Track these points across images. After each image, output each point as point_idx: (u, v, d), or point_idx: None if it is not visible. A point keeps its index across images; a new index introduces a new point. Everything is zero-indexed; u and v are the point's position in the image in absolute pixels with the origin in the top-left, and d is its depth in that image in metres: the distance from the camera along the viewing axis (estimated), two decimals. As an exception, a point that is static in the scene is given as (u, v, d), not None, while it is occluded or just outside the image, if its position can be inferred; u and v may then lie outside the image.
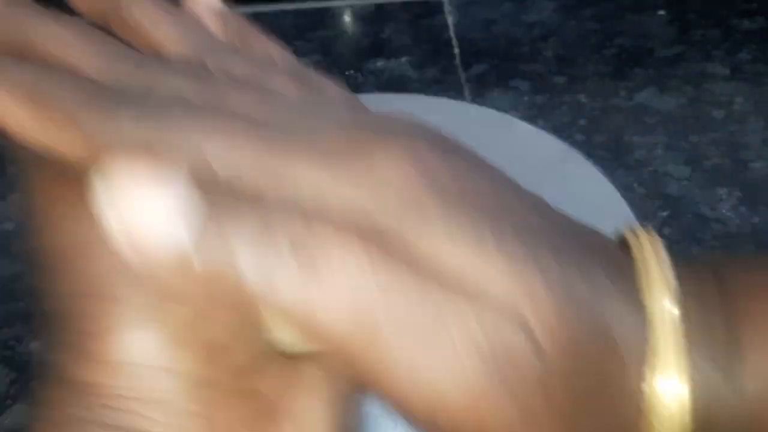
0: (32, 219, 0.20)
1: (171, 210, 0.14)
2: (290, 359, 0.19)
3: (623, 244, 0.19)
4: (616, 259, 0.18)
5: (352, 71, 0.80)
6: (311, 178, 0.16)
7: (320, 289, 0.15)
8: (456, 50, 0.83)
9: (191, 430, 0.18)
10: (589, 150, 0.70)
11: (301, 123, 0.17)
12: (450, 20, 0.87)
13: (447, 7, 0.89)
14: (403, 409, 0.16)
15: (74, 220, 0.19)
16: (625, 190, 0.52)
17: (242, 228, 0.15)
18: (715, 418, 0.17)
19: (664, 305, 0.17)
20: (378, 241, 0.16)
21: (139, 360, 0.18)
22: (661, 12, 0.87)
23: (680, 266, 0.18)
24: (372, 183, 0.16)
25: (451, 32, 0.86)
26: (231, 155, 0.16)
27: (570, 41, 0.84)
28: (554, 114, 0.75)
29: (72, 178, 0.18)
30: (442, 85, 0.78)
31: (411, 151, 0.17)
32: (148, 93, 0.17)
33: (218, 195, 0.15)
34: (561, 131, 0.72)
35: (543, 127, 0.59)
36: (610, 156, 0.71)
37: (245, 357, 0.18)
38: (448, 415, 0.16)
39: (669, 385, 0.17)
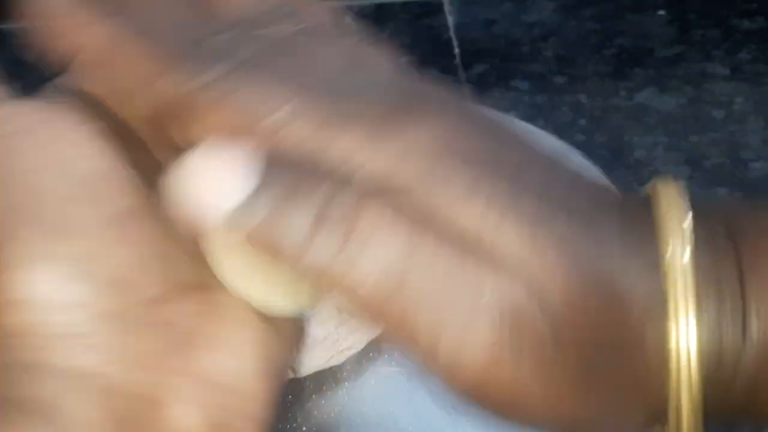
0: None
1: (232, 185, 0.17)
2: (208, 291, 0.20)
3: (646, 197, 0.20)
4: (631, 214, 0.19)
5: (352, 71, 0.80)
6: (352, 149, 0.18)
7: (348, 255, 0.17)
8: (456, 50, 0.83)
9: (100, 360, 0.18)
10: (589, 150, 0.70)
11: (344, 92, 0.19)
12: (450, 20, 0.87)
13: (447, 7, 0.89)
14: (429, 368, 0.18)
15: None
16: (625, 191, 0.52)
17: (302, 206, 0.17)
18: (723, 368, 0.18)
19: (677, 257, 0.18)
20: (402, 204, 0.18)
21: (41, 295, 0.18)
22: (661, 12, 0.87)
23: (695, 215, 0.19)
24: (401, 147, 0.18)
25: (451, 32, 0.86)
26: (296, 122, 0.18)
27: (570, 41, 0.84)
28: (554, 114, 0.75)
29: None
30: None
31: (438, 120, 0.19)
32: (230, 53, 0.18)
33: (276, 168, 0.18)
34: (561, 131, 0.72)
35: (543, 127, 0.59)
36: (610, 156, 0.71)
37: (155, 290, 0.19)
38: (467, 375, 0.17)
39: (680, 337, 0.18)
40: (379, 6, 0.89)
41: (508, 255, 0.17)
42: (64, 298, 0.18)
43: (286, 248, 0.17)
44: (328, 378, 0.39)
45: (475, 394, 0.18)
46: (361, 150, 0.18)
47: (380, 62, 0.21)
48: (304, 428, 0.38)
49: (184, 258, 0.20)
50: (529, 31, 0.86)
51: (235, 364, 0.20)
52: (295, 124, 0.18)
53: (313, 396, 0.39)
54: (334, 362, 0.40)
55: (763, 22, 0.85)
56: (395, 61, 0.20)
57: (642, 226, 0.19)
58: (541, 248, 0.17)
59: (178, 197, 0.17)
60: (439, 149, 0.18)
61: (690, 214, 0.19)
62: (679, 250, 0.18)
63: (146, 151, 0.21)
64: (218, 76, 0.18)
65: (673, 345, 0.18)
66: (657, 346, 0.18)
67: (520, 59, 0.82)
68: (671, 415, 0.18)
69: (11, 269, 0.18)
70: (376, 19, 0.87)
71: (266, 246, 0.17)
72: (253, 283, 0.20)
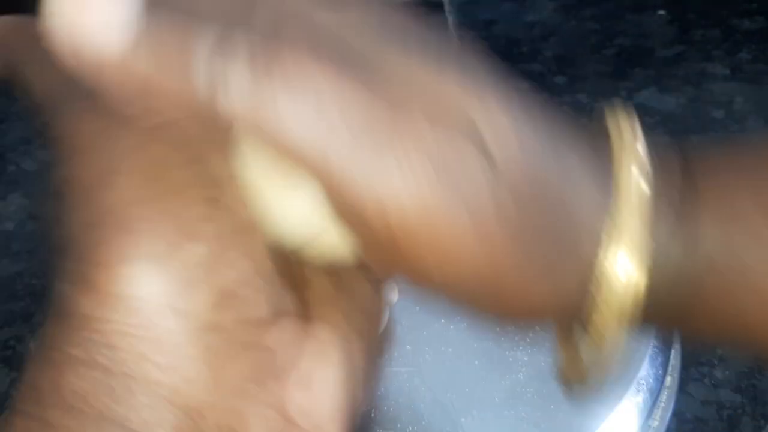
0: (58, 151, 0.19)
1: (116, 11, 0.15)
2: (306, 323, 0.19)
3: (602, 124, 0.20)
4: (590, 134, 0.20)
5: (352, 71, 0.80)
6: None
7: (273, 97, 0.16)
8: (456, 50, 0.83)
9: (191, 375, 0.17)
10: (589, 150, 0.70)
11: None
12: (450, 20, 0.87)
13: (447, 7, 0.89)
14: (359, 217, 0.17)
15: (99, 150, 0.18)
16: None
17: (201, 35, 0.16)
18: (664, 292, 0.19)
19: (633, 178, 0.18)
20: (341, 60, 0.16)
21: (145, 295, 0.17)
22: (661, 12, 0.87)
23: (650, 143, 0.19)
24: (357, 12, 0.17)
25: (452, 32, 0.86)
26: None
27: (570, 41, 0.84)
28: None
29: (101, 111, 0.18)
30: (442, 85, 0.78)
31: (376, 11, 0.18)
32: None
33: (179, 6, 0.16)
34: (561, 131, 0.72)
35: (543, 127, 0.59)
36: (610, 156, 0.71)
37: (257, 309, 0.18)
38: (401, 223, 0.17)
39: (626, 259, 0.18)
40: (379, 6, 0.89)
41: (450, 107, 0.17)
42: (173, 303, 0.17)
43: (193, 86, 0.16)
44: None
45: (402, 240, 0.17)
46: (303, 3, 0.17)
47: None
48: (304, 428, 0.38)
49: (290, 282, 0.19)
50: (529, 31, 0.86)
51: (319, 406, 0.19)
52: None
53: (313, 396, 0.39)
54: (334, 362, 0.40)
55: (763, 22, 0.85)
56: None
57: (598, 146, 0.19)
58: (487, 105, 0.17)
59: (62, 30, 0.15)
60: (392, 18, 0.17)
61: (645, 143, 0.19)
62: (634, 175, 0.18)
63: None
64: None
65: (617, 271, 0.18)
66: (600, 263, 0.18)
67: (520, 59, 0.82)
68: (596, 316, 0.19)
69: (125, 262, 0.17)
70: (376, 19, 0.87)
71: (167, 83, 0.16)
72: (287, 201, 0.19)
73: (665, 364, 0.41)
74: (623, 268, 0.18)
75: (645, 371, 0.40)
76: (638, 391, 0.39)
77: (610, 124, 0.20)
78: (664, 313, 0.19)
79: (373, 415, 0.38)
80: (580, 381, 0.20)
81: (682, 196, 0.19)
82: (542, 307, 0.19)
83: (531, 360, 0.40)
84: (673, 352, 0.42)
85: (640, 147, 0.19)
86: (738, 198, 0.19)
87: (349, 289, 0.20)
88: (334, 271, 0.20)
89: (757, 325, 0.19)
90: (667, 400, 0.41)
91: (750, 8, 0.87)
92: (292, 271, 0.20)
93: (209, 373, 0.17)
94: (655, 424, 0.40)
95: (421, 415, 0.38)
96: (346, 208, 0.17)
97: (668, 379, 0.41)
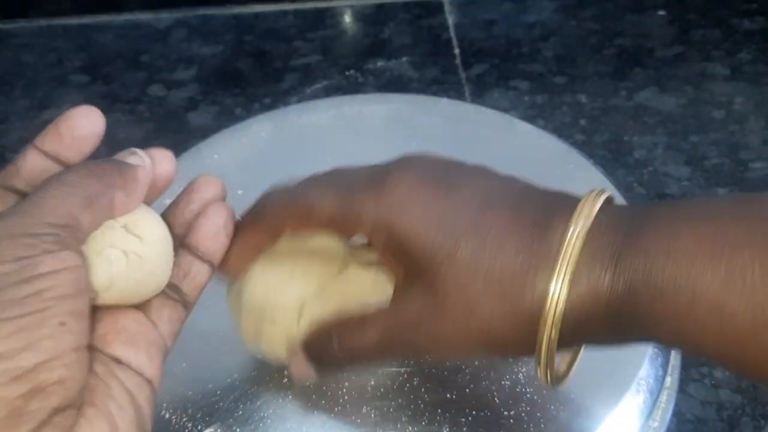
0: None
1: None
2: (81, 408, 0.24)
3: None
4: (558, 207, 0.29)
5: (352, 71, 0.80)
6: (361, 202, 0.31)
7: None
8: (456, 50, 0.83)
9: None
10: (589, 150, 0.70)
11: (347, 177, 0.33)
12: (450, 20, 0.87)
13: (447, 7, 0.89)
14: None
15: None
16: (625, 190, 0.52)
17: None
18: (587, 312, 0.27)
19: (578, 228, 0.28)
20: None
21: None
22: (661, 12, 0.87)
23: (614, 210, 0.29)
24: (382, 202, 0.31)
25: (451, 32, 0.86)
26: (326, 199, 0.32)
27: (570, 41, 0.85)
28: (554, 114, 0.75)
29: None
30: (442, 85, 0.78)
31: (406, 178, 0.31)
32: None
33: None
34: (561, 131, 0.72)
35: (543, 127, 0.59)
36: (610, 156, 0.71)
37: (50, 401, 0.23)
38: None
39: (557, 284, 0.27)
40: (379, 6, 0.89)
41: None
42: None
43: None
44: (327, 377, 0.40)
45: None
46: (364, 204, 0.31)
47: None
48: (303, 428, 0.38)
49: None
50: (529, 31, 0.86)
51: None
52: (326, 200, 0.32)
53: (313, 396, 0.39)
54: (334, 362, 0.40)
55: (763, 22, 0.85)
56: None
57: (559, 214, 0.29)
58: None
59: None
60: (409, 184, 0.31)
61: (603, 208, 0.28)
62: (580, 226, 0.28)
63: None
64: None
65: (549, 294, 0.28)
66: (540, 290, 0.28)
67: (520, 59, 0.82)
68: (542, 343, 0.29)
69: None
70: (376, 19, 0.87)
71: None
72: None
73: (665, 364, 0.41)
74: (557, 292, 0.28)
75: (645, 371, 0.40)
76: (638, 391, 0.39)
77: (584, 198, 0.29)
78: (609, 325, 0.28)
79: (373, 415, 0.38)
80: (551, 383, 0.31)
81: (618, 245, 0.27)
82: (504, 338, 0.30)
83: (531, 360, 0.40)
84: (673, 352, 0.42)
85: (592, 211, 0.28)
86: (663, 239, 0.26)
87: (114, 379, 0.26)
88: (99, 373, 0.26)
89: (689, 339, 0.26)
90: (667, 400, 0.41)
91: (750, 8, 0.87)
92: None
93: None
94: (655, 424, 0.40)
95: (421, 415, 0.38)
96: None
97: (668, 379, 0.41)
